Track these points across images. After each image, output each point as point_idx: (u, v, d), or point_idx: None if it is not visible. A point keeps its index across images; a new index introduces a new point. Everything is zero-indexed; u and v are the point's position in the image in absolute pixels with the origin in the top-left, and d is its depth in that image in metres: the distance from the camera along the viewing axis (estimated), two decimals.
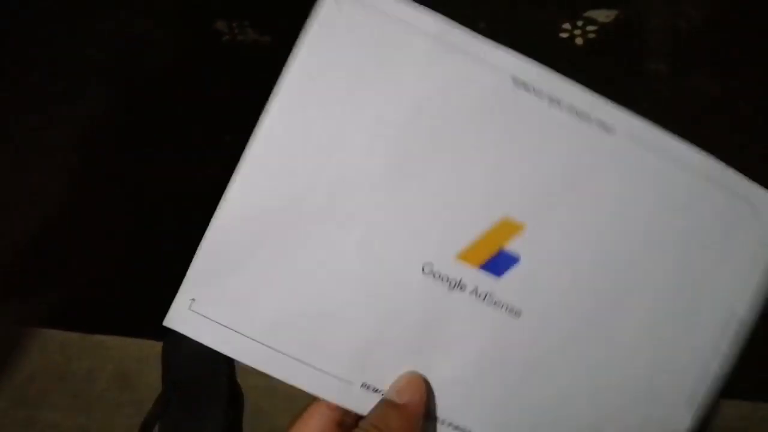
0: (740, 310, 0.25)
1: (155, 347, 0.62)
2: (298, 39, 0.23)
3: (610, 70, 0.79)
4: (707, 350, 0.25)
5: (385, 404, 0.23)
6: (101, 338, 0.65)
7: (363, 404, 0.24)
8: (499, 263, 0.24)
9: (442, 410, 0.24)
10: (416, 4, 0.23)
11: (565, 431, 0.24)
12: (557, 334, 0.24)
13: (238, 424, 0.58)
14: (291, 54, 0.23)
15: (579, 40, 0.81)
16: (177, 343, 0.59)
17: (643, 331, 0.24)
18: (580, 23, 0.81)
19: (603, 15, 0.81)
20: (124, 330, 0.65)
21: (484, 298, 0.24)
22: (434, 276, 0.24)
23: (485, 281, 0.24)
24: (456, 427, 0.24)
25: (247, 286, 0.23)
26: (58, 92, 0.79)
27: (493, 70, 0.23)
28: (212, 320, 0.23)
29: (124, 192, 0.75)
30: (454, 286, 0.24)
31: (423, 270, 0.23)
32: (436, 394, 0.24)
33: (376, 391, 0.24)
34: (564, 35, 0.80)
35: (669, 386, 0.25)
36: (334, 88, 0.23)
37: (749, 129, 0.76)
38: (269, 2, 0.81)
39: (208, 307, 0.23)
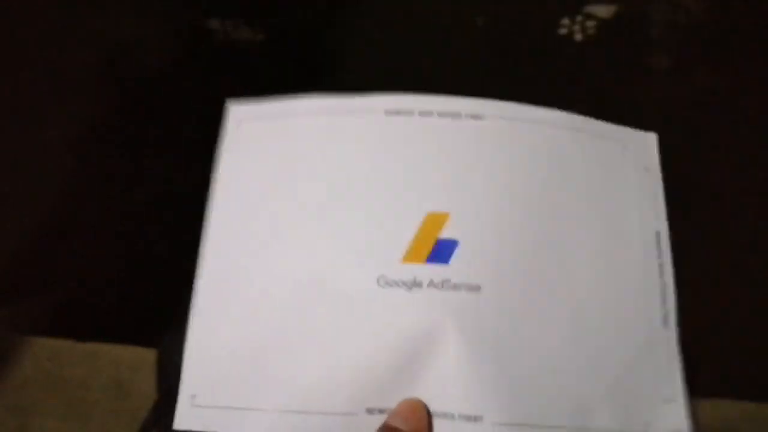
0: (653, 225, 0.28)
1: (150, 354, 0.61)
2: (214, 162, 0.28)
3: (610, 65, 0.79)
4: (647, 270, 0.27)
5: (390, 431, 0.23)
6: (94, 346, 0.64)
7: (371, 428, 0.24)
8: (441, 251, 0.26)
9: (446, 405, 0.24)
10: (295, 98, 0.29)
11: (571, 381, 0.25)
12: (520, 290, 0.26)
13: None
14: (211, 178, 0.27)
15: (578, 36, 0.80)
16: (172, 350, 0.58)
17: (587, 275, 0.27)
18: (579, 19, 0.80)
19: (602, 10, 0.81)
20: (117, 337, 0.64)
21: (442, 286, 0.25)
22: (390, 285, 0.25)
23: (437, 271, 0.26)
24: (467, 418, 0.24)
25: (232, 363, 0.25)
26: (51, 94, 0.78)
27: (368, 112, 0.28)
28: (214, 407, 0.25)
29: (117, 195, 0.74)
30: (411, 285, 0.25)
31: (378, 283, 0.25)
32: (437, 390, 0.24)
33: (381, 412, 0.24)
34: (563, 31, 0.80)
35: (637, 316, 0.26)
36: (257, 187, 0.27)
37: (750, 122, 0.75)
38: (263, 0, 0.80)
39: (207, 398, 0.25)
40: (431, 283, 0.25)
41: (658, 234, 0.28)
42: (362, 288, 0.25)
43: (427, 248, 0.26)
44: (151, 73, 0.81)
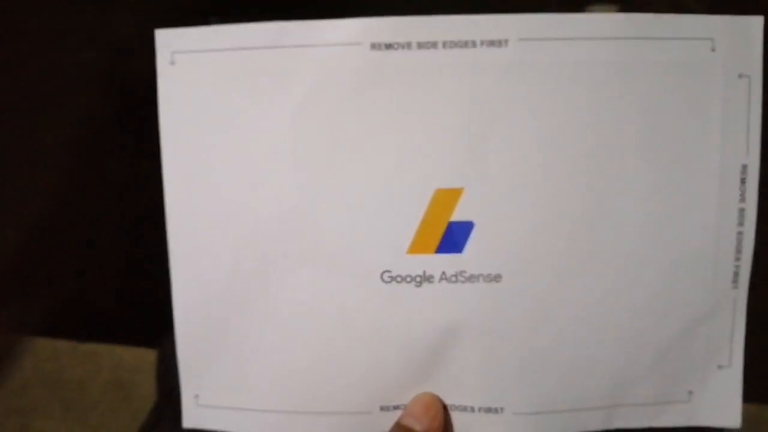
0: (739, 157, 0.22)
1: (150, 355, 0.61)
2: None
3: None
4: (724, 216, 0.22)
5: (402, 430, 0.23)
6: (94, 346, 0.64)
7: (385, 426, 0.23)
8: (454, 237, 0.22)
9: (464, 398, 0.23)
10: (239, 25, 0.22)
11: (609, 360, 0.23)
12: (550, 272, 0.22)
13: None
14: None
15: None
16: (172, 351, 0.58)
17: (641, 236, 0.22)
18: None
19: (603, 10, 0.80)
20: (118, 338, 0.64)
21: (457, 280, 0.22)
22: (396, 281, 0.22)
23: (449, 262, 0.22)
24: (488, 410, 0.23)
25: (236, 363, 0.23)
26: (50, 94, 0.78)
27: (346, 46, 0.21)
28: (222, 407, 0.23)
29: (118, 196, 0.74)
30: (421, 281, 0.22)
31: (383, 279, 0.22)
32: (454, 384, 0.23)
33: (396, 408, 0.23)
34: None
35: (701, 277, 0.22)
36: (212, 140, 0.22)
37: None
38: None
39: (213, 398, 0.23)
40: (443, 277, 0.22)
41: (744, 170, 0.22)
42: (366, 285, 0.22)
43: (437, 235, 0.22)
44: (151, 72, 0.81)
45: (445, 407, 0.23)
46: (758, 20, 0.22)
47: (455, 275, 0.22)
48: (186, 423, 0.24)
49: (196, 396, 0.23)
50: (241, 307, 0.23)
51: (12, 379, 0.64)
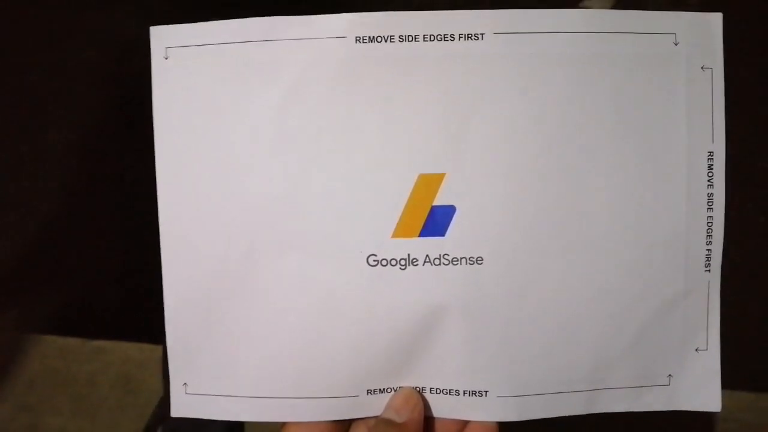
0: (706, 143, 0.23)
1: (156, 351, 0.61)
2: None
3: None
4: (694, 201, 0.23)
5: (385, 423, 0.23)
6: (101, 343, 0.64)
7: (372, 409, 0.24)
8: (437, 221, 0.23)
9: (450, 382, 0.24)
10: (230, 21, 0.23)
11: (588, 344, 0.23)
12: (529, 256, 0.23)
13: (240, 427, 0.58)
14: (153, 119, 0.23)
15: None
16: None
17: (617, 220, 0.23)
18: None
19: (599, 5, 0.81)
20: (125, 334, 0.64)
21: (440, 262, 0.23)
22: (382, 264, 0.23)
23: (433, 245, 0.23)
24: (473, 393, 0.23)
25: (224, 351, 0.23)
26: (55, 95, 0.78)
27: (331, 39, 0.22)
28: (210, 395, 0.23)
29: (123, 195, 0.75)
30: (405, 263, 0.23)
31: (368, 263, 0.23)
32: (439, 368, 0.23)
33: (382, 391, 0.24)
34: None
35: (675, 260, 0.23)
36: (203, 129, 0.23)
37: (749, 122, 0.75)
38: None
39: (201, 386, 0.24)
40: (427, 260, 0.23)
41: (711, 155, 0.23)
42: (352, 269, 0.23)
43: (420, 219, 0.23)
44: (150, 73, 0.81)
45: (424, 399, 0.24)
46: (717, 17, 0.23)
47: (438, 258, 0.23)
48: (174, 412, 0.23)
49: (185, 384, 0.24)
50: (229, 294, 0.23)
51: (21, 376, 0.64)
